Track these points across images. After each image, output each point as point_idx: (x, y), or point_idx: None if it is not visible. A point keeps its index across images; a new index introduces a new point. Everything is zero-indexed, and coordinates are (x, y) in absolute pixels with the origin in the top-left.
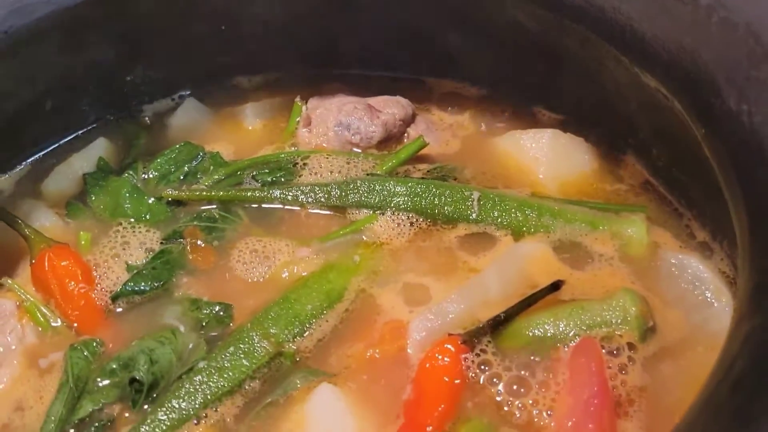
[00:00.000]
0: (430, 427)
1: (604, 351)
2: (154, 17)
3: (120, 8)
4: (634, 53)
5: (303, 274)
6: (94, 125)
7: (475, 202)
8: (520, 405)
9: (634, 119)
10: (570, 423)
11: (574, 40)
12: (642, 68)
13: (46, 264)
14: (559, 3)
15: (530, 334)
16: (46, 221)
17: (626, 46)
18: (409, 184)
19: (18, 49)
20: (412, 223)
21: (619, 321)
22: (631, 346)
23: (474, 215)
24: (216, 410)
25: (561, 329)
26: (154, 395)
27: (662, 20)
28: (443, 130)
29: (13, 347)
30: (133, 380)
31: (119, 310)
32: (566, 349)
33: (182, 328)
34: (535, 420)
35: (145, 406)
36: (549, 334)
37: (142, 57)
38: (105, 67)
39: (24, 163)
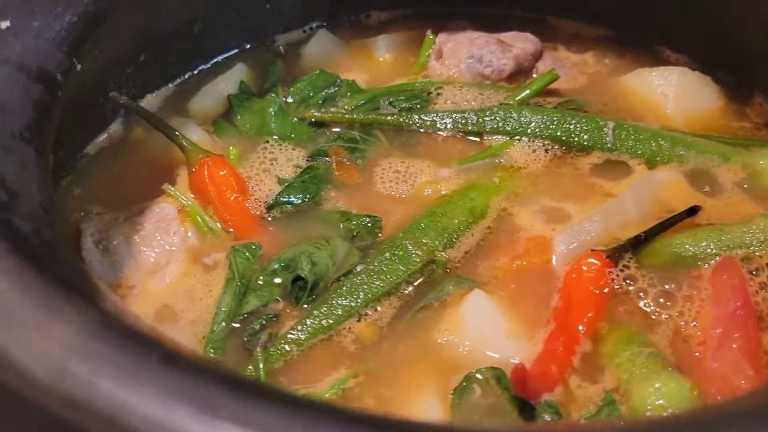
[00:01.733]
0: (583, 329)
1: (744, 270)
2: None
3: None
4: None
5: (444, 192)
6: (234, 52)
7: (610, 131)
8: (666, 316)
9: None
10: (716, 332)
11: None
12: None
13: (206, 173)
14: None
15: (671, 251)
16: (194, 136)
17: None
18: (546, 113)
19: None
20: (547, 150)
21: (759, 243)
22: None
23: (609, 144)
24: (376, 309)
25: (702, 248)
26: (315, 296)
27: None
28: (570, 68)
29: (176, 247)
30: (296, 278)
31: (271, 218)
32: (707, 267)
33: (335, 237)
34: (682, 329)
35: (306, 305)
36: (690, 253)
37: None
38: None
39: (170, 84)
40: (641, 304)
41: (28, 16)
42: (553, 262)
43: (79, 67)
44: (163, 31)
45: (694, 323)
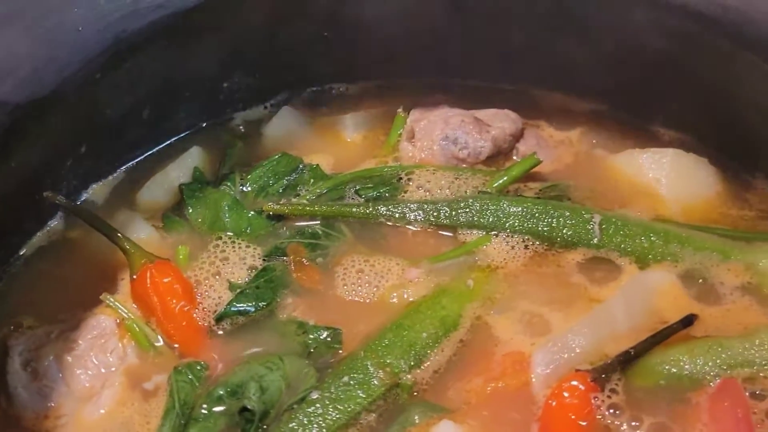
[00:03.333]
0: None
1: (746, 394)
2: (259, 22)
3: (229, 14)
4: None
5: (413, 299)
6: (188, 132)
7: (596, 226)
8: None
9: None
10: None
11: (707, 52)
12: None
13: (148, 280)
14: (698, 13)
15: (664, 371)
16: (142, 233)
17: None
18: (525, 205)
19: (128, 55)
20: (527, 246)
21: (763, 362)
22: None
23: (595, 240)
24: None
25: (699, 367)
26: (265, 426)
27: None
28: (554, 147)
29: (114, 368)
30: (243, 409)
31: (221, 331)
32: (705, 390)
33: (289, 354)
34: None
35: None
36: (685, 372)
37: (242, 63)
38: (204, 73)
39: (118, 171)
40: None
41: None
42: (532, 384)
43: (12, 163)
44: (106, 121)
45: None
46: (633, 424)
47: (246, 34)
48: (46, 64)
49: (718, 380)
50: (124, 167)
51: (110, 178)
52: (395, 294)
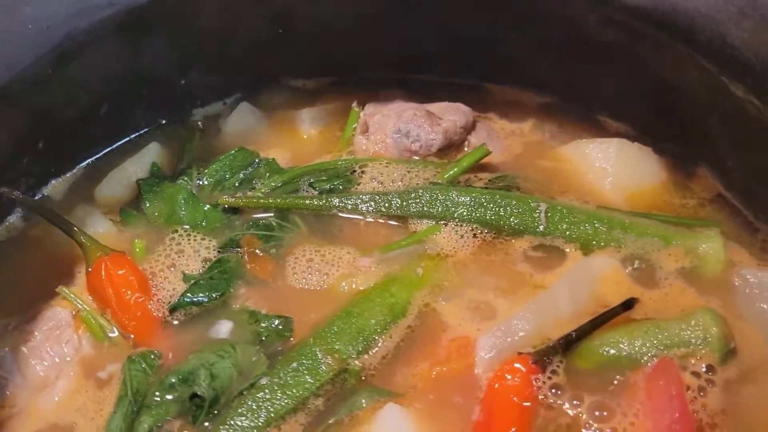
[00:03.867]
0: None
1: (682, 372)
2: (213, 19)
3: (181, 10)
4: (722, 62)
5: (362, 287)
6: (147, 129)
7: (542, 214)
8: (596, 430)
9: (711, 130)
10: None
11: (652, 48)
12: (731, 78)
13: (103, 272)
14: (640, 9)
15: (604, 353)
16: (99, 228)
17: (714, 54)
18: (474, 194)
19: (79, 52)
20: (475, 235)
21: (698, 342)
22: (710, 368)
23: (541, 228)
24: (279, 429)
25: (637, 348)
26: (215, 411)
27: (755, 27)
28: (504, 138)
29: (69, 358)
30: (193, 396)
31: (176, 321)
32: (643, 370)
33: (241, 342)
34: None
35: (206, 423)
36: (624, 354)
37: (198, 60)
38: (160, 71)
39: (77, 167)
40: (571, 416)
41: None
42: (476, 368)
43: None
44: (63, 118)
45: None
46: (574, 403)
47: (199, 32)
48: None
49: (655, 360)
50: (83, 164)
51: (68, 174)
52: (345, 283)
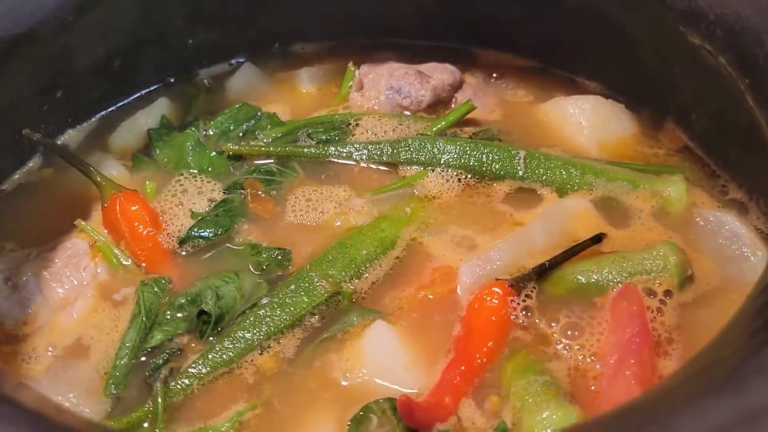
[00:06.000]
0: (482, 359)
1: (645, 297)
2: None
3: None
4: (679, 11)
5: (356, 223)
6: (156, 86)
7: (521, 160)
8: (565, 345)
9: (675, 83)
10: (612, 360)
11: (620, 5)
12: (687, 27)
13: (117, 207)
14: None
15: (575, 279)
16: (113, 171)
17: (673, 4)
18: (459, 143)
19: (97, 4)
20: (460, 179)
21: (659, 269)
22: (668, 292)
23: (520, 172)
24: (278, 342)
25: (604, 276)
26: (220, 329)
27: None
28: (489, 97)
29: (86, 282)
30: (201, 312)
31: (184, 253)
32: (609, 295)
33: (244, 270)
34: (580, 358)
35: (211, 338)
36: (593, 280)
37: (205, 21)
38: (170, 29)
39: (92, 118)
40: (539, 332)
41: None
42: (458, 291)
43: None
44: (79, 69)
45: (593, 356)
46: (547, 322)
47: None
48: (21, 3)
49: (621, 286)
50: (98, 115)
51: (84, 124)
52: (339, 220)
